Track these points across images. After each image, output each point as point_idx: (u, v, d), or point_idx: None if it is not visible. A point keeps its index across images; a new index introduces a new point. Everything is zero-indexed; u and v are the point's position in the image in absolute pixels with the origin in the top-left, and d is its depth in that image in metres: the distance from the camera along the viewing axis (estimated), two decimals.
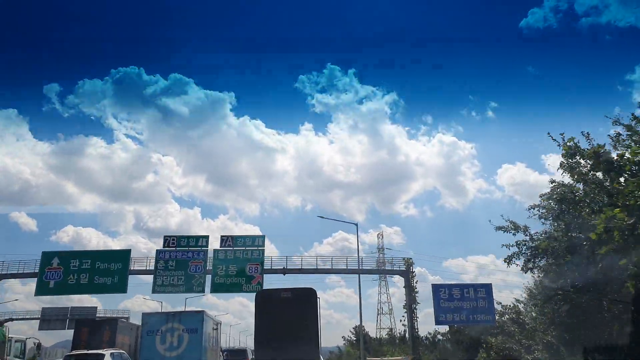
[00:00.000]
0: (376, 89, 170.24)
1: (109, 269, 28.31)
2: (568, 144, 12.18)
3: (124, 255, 28.96)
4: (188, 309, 33.22)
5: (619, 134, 12.01)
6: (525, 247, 14.21)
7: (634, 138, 11.55)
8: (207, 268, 28.59)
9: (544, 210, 14.28)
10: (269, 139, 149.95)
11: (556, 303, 13.94)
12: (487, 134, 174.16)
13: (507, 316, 24.26)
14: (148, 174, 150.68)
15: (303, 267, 29.47)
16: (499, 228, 15.06)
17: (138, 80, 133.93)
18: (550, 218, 14.17)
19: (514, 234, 14.62)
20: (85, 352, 17.33)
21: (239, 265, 28.61)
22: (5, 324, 19.00)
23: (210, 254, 28.94)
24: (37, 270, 28.21)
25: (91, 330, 27.41)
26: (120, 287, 28.20)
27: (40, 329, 53.09)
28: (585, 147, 12.11)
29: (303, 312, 13.64)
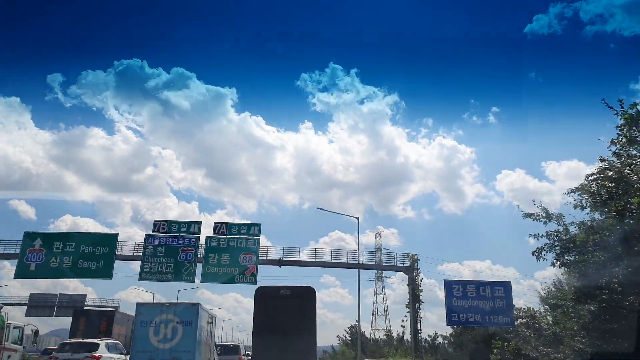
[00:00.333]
0: (378, 89, 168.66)
1: (94, 253, 26.51)
2: (630, 111, 10.30)
3: (110, 239, 27.16)
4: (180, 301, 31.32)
5: None
6: (557, 238, 12.41)
7: None
8: (199, 256, 26.79)
9: (584, 196, 12.37)
10: (269, 136, 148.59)
11: (593, 304, 12.15)
12: (487, 139, 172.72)
13: (520, 320, 22.50)
14: (147, 166, 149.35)
15: (300, 260, 27.60)
16: (527, 215, 13.28)
17: (140, 73, 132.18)
18: (590, 205, 12.27)
19: (545, 223, 12.80)
20: (80, 340, 17.42)
21: (232, 254, 26.79)
22: (4, 310, 17.48)
23: (202, 242, 27.14)
24: (17, 252, 26.41)
25: (88, 320, 27.31)
26: (106, 272, 26.39)
27: (27, 315, 51.41)
28: None
29: (301, 310, 13.57)
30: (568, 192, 12.65)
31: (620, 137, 10.68)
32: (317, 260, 27.68)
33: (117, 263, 27.11)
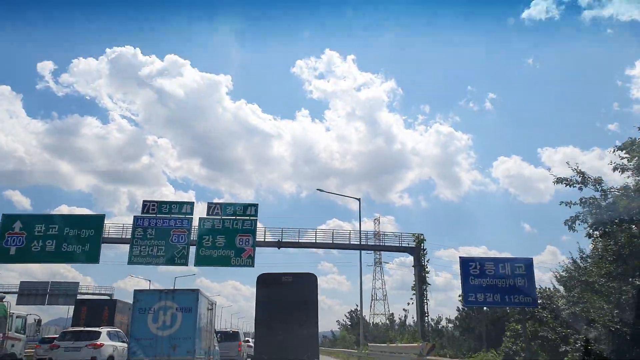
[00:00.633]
0: (375, 76, 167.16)
1: (79, 236, 24.85)
2: None
3: (96, 221, 25.49)
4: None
5: None
6: (593, 205, 10.89)
7: None
8: (192, 238, 25.22)
9: (634, 154, 10.77)
10: (266, 124, 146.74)
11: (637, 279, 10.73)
12: (484, 126, 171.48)
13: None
14: (143, 155, 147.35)
15: (300, 241, 26.08)
16: (560, 180, 11.77)
17: (134, 61, 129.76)
18: (636, 167, 10.72)
19: (580, 189, 11.28)
20: (82, 329, 17.36)
21: (227, 236, 25.22)
22: (6, 300, 17.42)
23: (195, 223, 25.57)
24: None
25: (90, 309, 27.50)
26: (92, 256, 24.77)
27: (18, 303, 49.93)
28: None
29: (303, 296, 13.66)
30: (614, 150, 11.09)
31: None
32: (317, 241, 26.16)
33: (111, 248, 25.54)
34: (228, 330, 29.49)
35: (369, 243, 26.62)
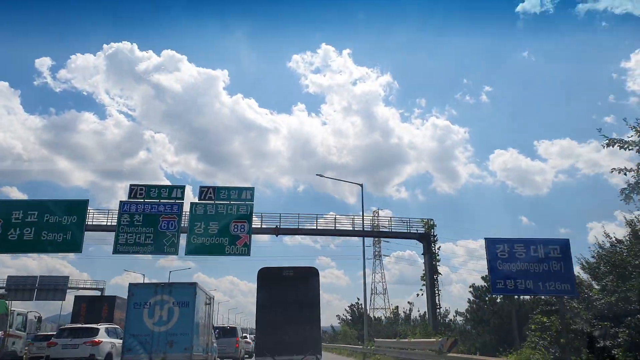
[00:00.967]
0: (371, 70, 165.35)
1: (60, 223, 22.81)
2: None
3: (79, 207, 23.40)
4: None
5: None
6: None
7: None
8: (183, 225, 23.22)
9: None
10: (262, 118, 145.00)
11: None
12: (480, 119, 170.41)
13: None
14: (140, 150, 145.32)
15: (300, 227, 24.10)
16: (611, 142, 9.89)
17: (131, 56, 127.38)
18: None
19: (638, 151, 9.38)
20: (79, 326, 17.18)
21: (221, 222, 23.23)
22: (7, 298, 18.04)
23: (186, 209, 23.58)
24: None
25: (90, 306, 27.68)
26: (74, 245, 22.75)
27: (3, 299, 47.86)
28: None
29: (305, 290, 13.43)
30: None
31: None
32: (319, 228, 24.19)
33: (108, 242, 23.50)
34: (225, 325, 27.83)
35: (374, 229, 24.60)
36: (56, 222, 22.78)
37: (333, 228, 24.34)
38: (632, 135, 9.73)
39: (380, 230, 24.57)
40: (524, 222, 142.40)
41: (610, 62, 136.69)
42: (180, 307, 12.53)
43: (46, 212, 22.89)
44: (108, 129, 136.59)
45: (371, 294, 72.68)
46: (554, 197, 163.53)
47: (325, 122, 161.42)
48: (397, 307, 38.61)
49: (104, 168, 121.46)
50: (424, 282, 23.72)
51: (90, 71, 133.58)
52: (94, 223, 23.65)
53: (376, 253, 72.80)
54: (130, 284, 13.38)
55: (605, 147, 10.12)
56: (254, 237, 23.62)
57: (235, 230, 23.17)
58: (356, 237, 26.12)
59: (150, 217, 23.08)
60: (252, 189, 24.20)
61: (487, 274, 30.06)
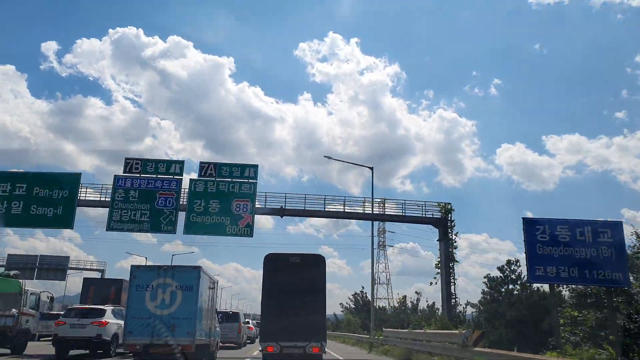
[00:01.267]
0: (378, 60, 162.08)
1: (51, 197, 21.39)
2: None
3: (71, 180, 21.94)
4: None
5: None
6: None
7: None
8: (181, 203, 21.69)
9: None
10: (268, 107, 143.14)
11: None
12: (488, 112, 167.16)
13: None
14: (146, 137, 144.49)
15: (307, 209, 22.46)
16: None
17: (136, 42, 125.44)
18: None
19: None
20: (86, 306, 17.48)
21: (222, 201, 21.67)
22: (20, 278, 17.94)
23: (185, 185, 22.03)
24: None
25: (98, 288, 28.71)
26: (65, 220, 21.35)
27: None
28: None
29: (311, 277, 13.40)
30: None
31: None
32: (326, 210, 22.52)
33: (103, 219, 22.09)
34: (228, 310, 28.07)
35: (387, 213, 22.92)
36: (46, 196, 21.38)
37: (342, 210, 22.66)
38: None
39: (393, 214, 22.87)
40: (529, 217, 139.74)
41: (624, 56, 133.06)
42: (184, 291, 12.25)
43: (36, 186, 21.47)
44: (114, 114, 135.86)
45: (374, 283, 71.38)
46: (561, 193, 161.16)
47: (331, 112, 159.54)
48: (404, 297, 37.11)
49: (110, 153, 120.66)
50: (439, 270, 22.09)
51: (96, 56, 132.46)
52: (86, 198, 22.16)
53: (380, 243, 71.44)
54: (132, 266, 12.98)
55: None
56: (257, 222, 22.09)
57: (238, 209, 21.61)
58: (361, 229, 24.43)
59: (146, 193, 21.58)
60: (256, 167, 22.55)
61: (502, 264, 28.57)
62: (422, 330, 16.39)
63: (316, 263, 13.80)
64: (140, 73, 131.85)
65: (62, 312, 20.68)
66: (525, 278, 25.88)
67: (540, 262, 10.80)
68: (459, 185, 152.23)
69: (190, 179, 22.10)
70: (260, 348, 13.91)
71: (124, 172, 21.87)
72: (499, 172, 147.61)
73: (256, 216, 21.83)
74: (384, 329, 24.12)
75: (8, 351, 16.07)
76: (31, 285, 19.01)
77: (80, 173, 22.27)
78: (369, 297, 54.76)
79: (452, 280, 21.44)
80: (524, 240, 10.85)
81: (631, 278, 16.64)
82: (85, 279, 33.81)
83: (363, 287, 53.85)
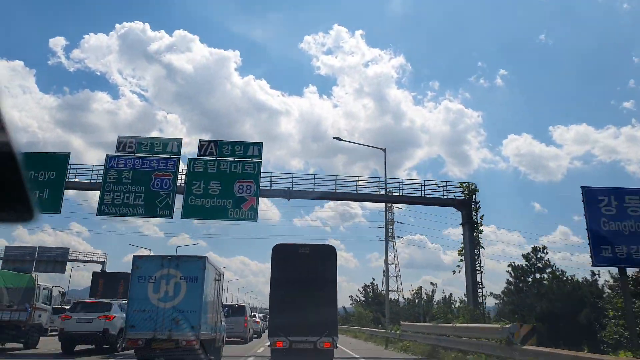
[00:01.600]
0: (383, 52, 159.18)
1: (36, 179, 19.53)
2: None
3: (59, 161, 20.08)
4: None
5: None
6: None
7: None
8: (179, 184, 19.78)
9: None
10: (274, 100, 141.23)
11: None
12: (494, 103, 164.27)
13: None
14: (153, 130, 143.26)
15: (316, 189, 20.44)
16: None
17: (143, 36, 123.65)
18: None
19: None
20: (92, 300, 17.85)
21: (224, 182, 19.73)
22: (34, 273, 18.39)
23: (183, 166, 20.13)
24: None
25: (107, 281, 28.57)
26: (52, 204, 19.46)
27: (2, 269, 45.58)
28: None
29: (321, 269, 13.03)
30: None
31: None
32: (338, 191, 20.48)
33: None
34: (233, 304, 27.64)
35: (404, 194, 20.84)
36: (32, 177, 19.48)
37: (355, 192, 20.62)
38: None
39: (412, 195, 20.79)
40: (536, 208, 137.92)
41: (631, 46, 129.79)
42: (188, 282, 11.59)
43: None
44: (121, 108, 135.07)
45: (383, 276, 69.65)
46: (568, 183, 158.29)
47: (337, 104, 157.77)
48: (419, 288, 35.16)
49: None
50: (462, 258, 20.02)
51: (103, 51, 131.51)
52: (76, 180, 20.29)
53: (390, 235, 69.45)
54: (134, 256, 12.26)
55: None
56: (262, 214, 20.17)
57: (241, 191, 19.66)
58: (368, 221, 22.38)
59: (141, 174, 19.67)
60: (260, 144, 20.58)
61: (528, 251, 26.45)
62: (451, 325, 14.37)
63: (327, 254, 13.32)
64: (147, 67, 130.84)
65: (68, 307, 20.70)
66: (555, 266, 23.66)
67: (605, 240, 8.75)
68: (465, 177, 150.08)
69: (188, 158, 20.26)
70: (268, 343, 13.37)
71: (117, 151, 19.98)
72: (506, 163, 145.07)
73: (261, 208, 20.00)
74: (401, 322, 22.13)
75: (21, 345, 16.22)
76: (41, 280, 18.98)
77: (69, 153, 20.43)
78: (380, 289, 53.15)
79: (478, 268, 19.38)
80: (585, 215, 8.86)
81: None
82: (94, 273, 34.39)
83: (374, 279, 51.98)
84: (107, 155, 20.00)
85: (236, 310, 22.04)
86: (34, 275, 17.35)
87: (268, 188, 20.40)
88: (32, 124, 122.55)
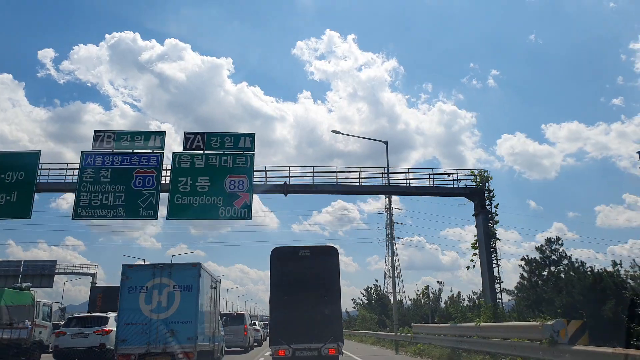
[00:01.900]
0: (376, 55, 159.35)
1: (3, 181, 17.70)
2: None
3: (28, 161, 18.21)
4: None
5: None
6: None
7: None
8: (163, 182, 18.00)
9: None
10: (268, 106, 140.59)
11: None
12: (487, 103, 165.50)
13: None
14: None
15: (316, 183, 18.72)
16: None
17: (133, 46, 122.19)
18: None
19: None
20: (88, 314, 17.21)
21: (213, 177, 17.98)
22: (32, 289, 16.90)
23: (168, 162, 18.37)
24: None
25: (105, 295, 28.13)
26: (21, 209, 17.61)
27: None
28: None
29: (323, 272, 12.49)
30: None
31: None
32: (339, 183, 18.78)
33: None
34: (232, 312, 27.01)
35: (411, 184, 19.18)
36: None
37: (357, 184, 18.92)
38: None
39: (419, 185, 19.12)
40: (532, 206, 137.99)
41: (618, 44, 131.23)
42: (182, 292, 11.09)
43: None
44: (114, 119, 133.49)
45: (385, 277, 68.13)
46: (562, 181, 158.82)
47: (331, 109, 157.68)
48: (427, 287, 33.46)
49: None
50: (475, 251, 18.36)
51: (94, 62, 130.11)
52: (48, 181, 18.40)
53: (388, 235, 67.95)
54: (123, 265, 11.56)
55: None
56: (259, 221, 18.49)
57: (232, 187, 17.91)
58: (366, 224, 20.71)
59: (121, 172, 17.87)
60: (252, 135, 18.85)
61: (542, 243, 24.83)
62: (474, 324, 12.66)
63: (328, 255, 12.76)
64: (139, 77, 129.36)
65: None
66: (572, 257, 22.15)
67: None
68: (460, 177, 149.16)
69: (173, 153, 18.48)
70: (269, 352, 12.80)
71: (94, 147, 18.16)
72: (500, 162, 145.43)
73: (258, 215, 18.45)
74: (413, 324, 20.39)
75: None
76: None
77: (40, 151, 18.56)
78: (383, 291, 51.37)
79: (495, 261, 17.73)
80: None
81: None
82: (92, 287, 33.85)
83: (377, 280, 50.25)
84: (82, 152, 18.19)
85: (235, 319, 21.14)
86: (33, 292, 16.78)
87: (262, 182, 18.66)
88: (22, 137, 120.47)
